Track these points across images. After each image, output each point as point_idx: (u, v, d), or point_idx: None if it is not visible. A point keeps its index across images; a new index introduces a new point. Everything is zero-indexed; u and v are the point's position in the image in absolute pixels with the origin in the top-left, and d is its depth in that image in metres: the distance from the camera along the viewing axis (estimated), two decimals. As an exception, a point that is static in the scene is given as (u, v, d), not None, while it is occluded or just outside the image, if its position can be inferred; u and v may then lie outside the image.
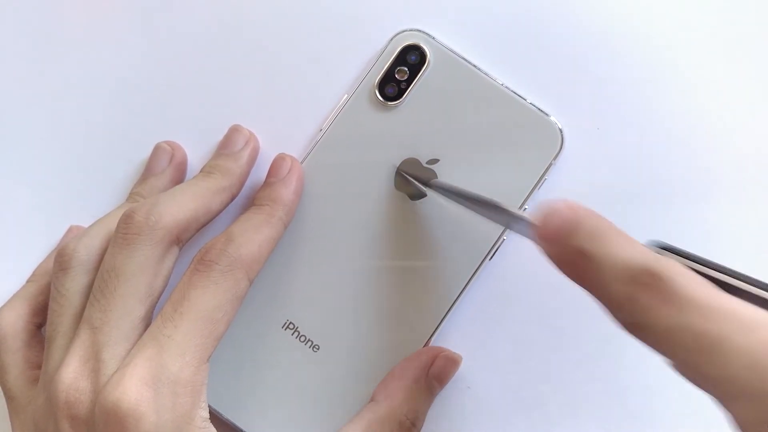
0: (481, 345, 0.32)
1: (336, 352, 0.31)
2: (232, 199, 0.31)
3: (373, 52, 0.33)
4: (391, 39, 0.32)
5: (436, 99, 0.32)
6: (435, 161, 0.32)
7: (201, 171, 0.32)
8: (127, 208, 0.28)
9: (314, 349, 0.31)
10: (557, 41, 0.33)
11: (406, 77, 0.32)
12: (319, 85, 0.33)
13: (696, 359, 0.18)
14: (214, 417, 0.29)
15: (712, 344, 0.17)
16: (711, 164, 0.32)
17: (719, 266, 0.20)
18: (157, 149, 0.33)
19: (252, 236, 0.28)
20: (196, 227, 0.29)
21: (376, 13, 0.33)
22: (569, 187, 0.32)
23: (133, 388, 0.24)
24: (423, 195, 0.32)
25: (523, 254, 0.32)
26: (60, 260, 0.29)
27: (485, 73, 0.32)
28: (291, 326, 0.31)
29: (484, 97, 0.32)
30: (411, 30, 0.32)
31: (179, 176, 0.33)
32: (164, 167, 0.33)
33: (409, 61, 0.32)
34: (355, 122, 0.32)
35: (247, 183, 0.32)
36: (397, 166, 0.32)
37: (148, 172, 0.33)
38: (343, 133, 0.32)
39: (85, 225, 0.32)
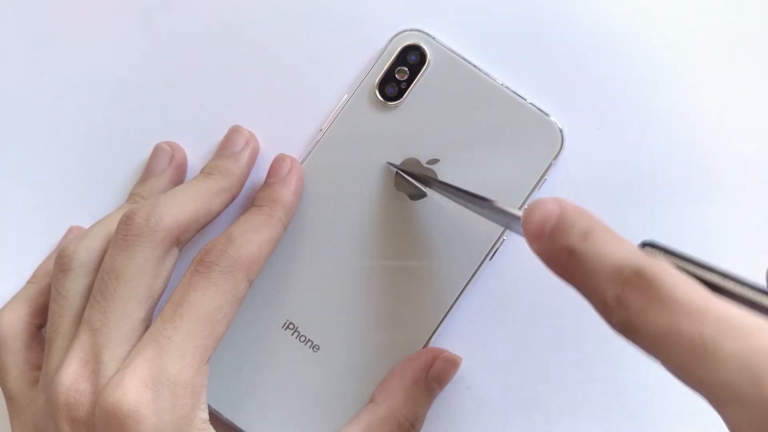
0: (481, 345, 0.32)
1: (336, 352, 0.31)
2: (232, 199, 0.31)
3: (373, 52, 0.33)
4: (391, 39, 0.32)
5: (436, 99, 0.32)
6: (435, 161, 0.32)
7: (201, 172, 0.32)
8: (127, 209, 0.28)
9: (314, 349, 0.31)
10: (557, 41, 0.33)
11: (406, 77, 0.32)
12: (319, 85, 0.33)
13: (687, 363, 0.17)
14: (214, 417, 0.29)
15: (704, 348, 0.17)
16: (711, 164, 0.32)
17: (709, 266, 0.20)
18: (157, 150, 0.33)
19: (252, 237, 0.28)
20: (196, 228, 0.29)
21: (376, 13, 0.33)
22: (569, 187, 0.32)
23: (133, 390, 0.24)
24: (423, 195, 0.32)
25: (523, 254, 0.32)
26: (60, 262, 0.29)
27: (485, 73, 0.32)
28: (291, 326, 0.31)
29: (484, 97, 0.32)
30: (411, 30, 0.32)
31: (179, 177, 0.33)
32: (164, 168, 0.33)
33: (409, 61, 0.32)
34: (355, 122, 0.32)
35: (247, 183, 0.32)
36: (396, 165, 0.32)
37: (148, 172, 0.33)
38: (343, 133, 0.32)
39: (85, 225, 0.32)
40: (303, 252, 0.32)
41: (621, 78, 0.33)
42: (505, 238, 0.31)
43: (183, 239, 0.28)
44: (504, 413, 0.32)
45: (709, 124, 0.32)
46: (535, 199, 0.22)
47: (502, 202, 0.25)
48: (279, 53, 0.34)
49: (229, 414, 0.31)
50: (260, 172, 0.32)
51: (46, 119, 0.35)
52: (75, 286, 0.28)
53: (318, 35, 0.34)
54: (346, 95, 0.32)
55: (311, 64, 0.34)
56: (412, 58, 0.32)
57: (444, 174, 0.32)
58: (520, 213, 0.23)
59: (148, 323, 0.27)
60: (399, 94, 0.32)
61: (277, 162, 0.31)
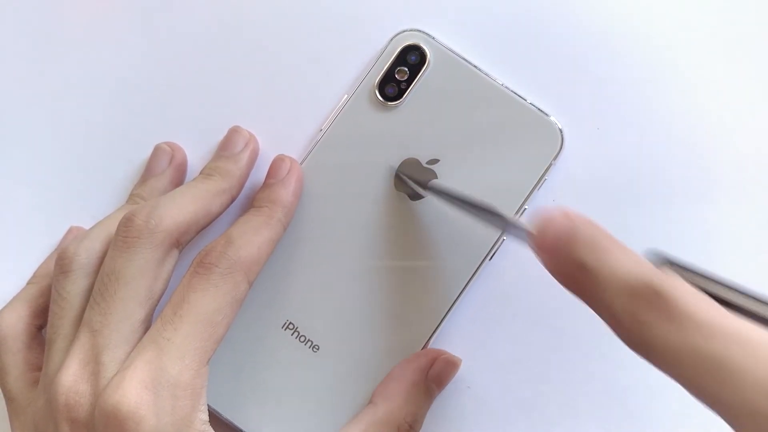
0: (481, 345, 0.32)
1: (335, 353, 0.31)
2: (232, 201, 0.31)
3: (373, 52, 0.33)
4: (391, 39, 0.32)
5: (436, 99, 0.32)
6: (435, 161, 0.32)
7: (201, 173, 0.32)
8: (127, 210, 0.28)
9: (314, 350, 0.31)
10: (557, 41, 0.33)
11: (406, 77, 0.32)
12: (319, 85, 0.33)
13: (703, 381, 0.17)
14: (214, 417, 0.29)
15: (721, 367, 0.17)
16: (711, 164, 0.32)
17: (723, 281, 0.19)
18: (157, 150, 0.33)
19: (251, 238, 0.28)
20: (196, 230, 0.29)
21: (376, 13, 0.33)
22: (569, 187, 0.32)
23: (133, 391, 0.24)
24: (423, 195, 0.32)
25: (523, 254, 0.32)
26: (60, 263, 0.29)
27: (485, 73, 0.32)
28: (291, 326, 0.31)
29: (484, 97, 0.32)
30: (411, 30, 0.32)
31: (179, 177, 0.33)
32: (164, 168, 0.33)
33: (409, 61, 0.32)
34: (355, 122, 0.32)
35: (247, 184, 0.32)
36: (396, 167, 0.32)
37: (148, 173, 0.33)
38: (343, 133, 0.32)
39: (86, 225, 0.32)
40: (303, 252, 0.32)
41: (621, 78, 0.33)
42: (504, 238, 0.31)
43: (183, 241, 0.28)
44: (504, 413, 0.32)
45: (709, 124, 0.32)
46: (544, 212, 0.21)
47: (511, 216, 0.25)
48: (279, 53, 0.34)
49: (229, 414, 0.31)
50: (260, 173, 0.32)
51: (46, 119, 0.35)
52: (75, 287, 0.28)
53: (318, 35, 0.34)
54: (346, 95, 0.32)
55: (311, 64, 0.34)
56: (412, 58, 0.32)
57: (444, 174, 0.32)
58: (521, 222, 0.22)
59: (148, 325, 0.27)
60: (399, 94, 0.32)
61: (277, 163, 0.31)
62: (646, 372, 0.31)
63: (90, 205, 0.34)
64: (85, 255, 0.29)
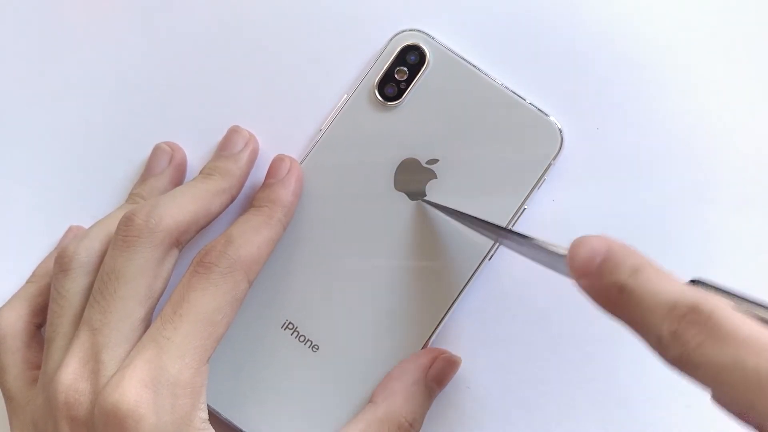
0: (481, 345, 0.32)
1: (335, 353, 0.31)
2: (232, 200, 0.31)
3: (372, 52, 0.33)
4: (391, 39, 0.32)
5: (436, 99, 0.32)
6: (434, 161, 0.32)
7: (200, 173, 0.32)
8: (126, 210, 0.28)
9: (314, 349, 0.31)
10: (557, 41, 0.33)
11: (405, 77, 0.32)
12: (319, 85, 0.33)
13: (748, 395, 0.18)
14: (214, 417, 0.29)
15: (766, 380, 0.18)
16: (711, 164, 0.32)
17: (757, 301, 0.20)
18: (157, 150, 0.33)
19: (251, 238, 0.28)
20: (195, 229, 0.29)
21: (376, 13, 0.33)
22: (569, 187, 0.32)
23: (133, 390, 0.24)
24: (422, 195, 0.32)
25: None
26: (60, 262, 0.29)
27: (485, 73, 0.32)
28: (290, 326, 0.31)
29: (484, 97, 0.32)
30: (411, 30, 0.32)
31: (179, 177, 0.33)
32: (164, 168, 0.33)
33: (409, 61, 0.32)
34: (355, 122, 0.32)
35: (247, 184, 0.32)
36: (431, 202, 0.32)
37: (147, 172, 0.33)
38: (343, 133, 0.32)
39: (85, 225, 0.33)
40: (302, 252, 0.32)
41: (621, 78, 0.33)
42: (502, 244, 0.31)
43: (183, 240, 0.29)
44: (504, 413, 0.32)
45: (709, 124, 0.32)
46: (579, 237, 0.22)
47: (543, 241, 0.25)
48: (279, 53, 0.34)
49: (228, 414, 0.31)
50: (260, 173, 0.32)
51: (46, 119, 0.35)
52: (75, 286, 0.28)
53: (318, 35, 0.34)
54: (346, 95, 0.32)
55: (311, 64, 0.34)
56: (412, 58, 0.32)
57: (444, 174, 0.32)
58: (564, 251, 0.23)
59: (147, 323, 0.27)
60: (398, 94, 0.32)
61: (276, 162, 0.31)
62: (647, 372, 0.31)
63: (90, 205, 0.34)
64: (85, 254, 0.29)
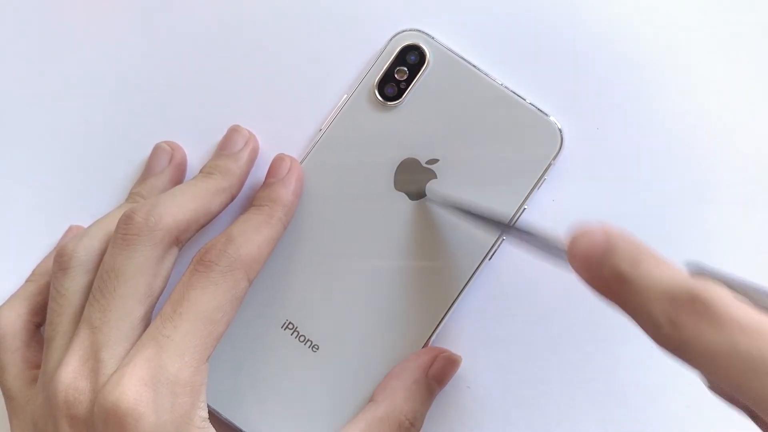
0: (481, 345, 0.32)
1: (335, 352, 0.31)
2: (232, 199, 0.31)
3: (372, 52, 0.33)
4: (391, 39, 0.32)
5: (436, 99, 0.32)
6: (434, 161, 0.32)
7: (200, 171, 0.32)
8: (126, 208, 0.28)
9: (314, 349, 0.31)
10: (557, 41, 0.33)
11: (405, 77, 0.32)
12: (319, 85, 0.33)
13: (745, 379, 0.18)
14: (213, 417, 0.29)
15: (764, 364, 0.18)
16: (711, 164, 0.32)
17: (755, 287, 0.20)
18: (157, 149, 0.33)
19: (251, 237, 0.28)
20: (195, 228, 0.29)
21: (376, 13, 0.33)
22: (569, 187, 0.32)
23: (133, 389, 0.24)
24: (422, 195, 0.32)
25: (522, 255, 0.32)
26: (59, 260, 0.29)
27: (485, 73, 0.32)
28: (290, 326, 0.31)
29: (484, 97, 0.32)
30: (411, 30, 0.32)
31: (179, 176, 0.33)
32: (164, 167, 0.33)
33: (409, 61, 0.32)
34: (355, 122, 0.32)
35: (247, 183, 0.32)
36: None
37: (147, 172, 0.33)
38: (343, 133, 0.32)
39: (85, 225, 0.32)
40: (302, 252, 0.32)
41: (621, 78, 0.33)
42: (504, 238, 0.31)
43: (182, 239, 0.29)
44: (504, 413, 0.32)
45: (709, 124, 0.32)
46: (579, 227, 0.22)
47: (545, 231, 0.25)
48: (279, 53, 0.34)
49: (228, 414, 0.31)
50: (260, 172, 0.32)
51: (46, 119, 0.35)
52: (74, 284, 0.28)
53: (318, 35, 0.34)
54: (346, 95, 0.32)
55: (311, 64, 0.34)
56: (412, 58, 0.32)
57: (443, 174, 0.32)
58: (556, 238, 0.23)
59: (147, 322, 0.27)
60: (398, 94, 0.32)
61: (277, 162, 0.31)
62: (646, 372, 0.31)
63: (90, 205, 0.34)
64: (84, 252, 0.29)
